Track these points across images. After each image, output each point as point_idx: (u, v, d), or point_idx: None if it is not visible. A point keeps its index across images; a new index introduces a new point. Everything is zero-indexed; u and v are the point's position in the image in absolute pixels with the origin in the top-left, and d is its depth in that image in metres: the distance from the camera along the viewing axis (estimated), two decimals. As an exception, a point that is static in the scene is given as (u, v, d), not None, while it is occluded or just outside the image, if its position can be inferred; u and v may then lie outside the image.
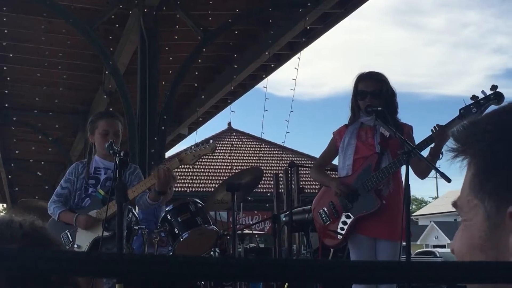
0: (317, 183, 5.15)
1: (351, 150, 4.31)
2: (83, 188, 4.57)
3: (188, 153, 4.50)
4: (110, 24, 9.49)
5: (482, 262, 0.52)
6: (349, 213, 4.26)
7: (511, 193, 0.79)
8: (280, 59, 11.31)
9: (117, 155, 3.91)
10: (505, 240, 0.78)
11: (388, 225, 4.10)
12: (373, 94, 4.23)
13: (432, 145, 3.98)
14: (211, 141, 4.59)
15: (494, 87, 3.76)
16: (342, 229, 4.30)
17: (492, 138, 0.82)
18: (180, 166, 4.58)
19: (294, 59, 10.91)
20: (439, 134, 3.91)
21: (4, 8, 8.85)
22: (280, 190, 12.94)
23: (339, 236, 4.31)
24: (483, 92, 3.84)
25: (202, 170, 26.94)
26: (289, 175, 9.42)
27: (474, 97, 3.87)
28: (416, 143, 4.11)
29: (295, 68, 10.18)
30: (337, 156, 4.47)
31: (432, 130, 3.97)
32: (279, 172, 15.25)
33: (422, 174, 4.15)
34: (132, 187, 4.44)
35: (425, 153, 3.99)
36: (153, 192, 4.41)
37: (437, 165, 3.97)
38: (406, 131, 4.25)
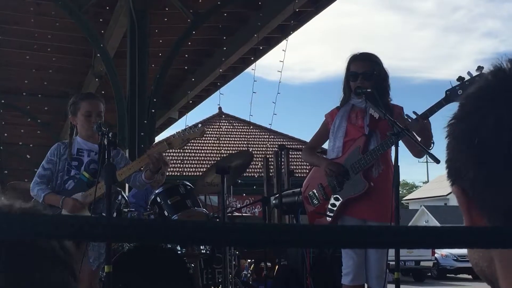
0: (307, 167, 5.16)
1: (341, 132, 4.30)
2: (65, 170, 4.49)
3: (177, 137, 4.49)
4: (99, 6, 9.42)
5: (466, 227, 0.52)
6: (337, 196, 4.27)
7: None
8: (270, 42, 11.27)
9: (106, 136, 3.90)
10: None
11: (376, 207, 4.10)
12: (364, 75, 4.20)
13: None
14: (199, 125, 4.59)
15: (480, 68, 3.76)
16: (331, 211, 4.31)
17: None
18: (169, 150, 4.57)
19: (284, 42, 10.90)
20: (419, 123, 3.91)
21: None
22: (270, 174, 12.93)
23: (328, 218, 4.32)
24: (469, 73, 3.84)
25: (192, 154, 26.93)
26: (279, 158, 9.42)
27: (460, 78, 3.87)
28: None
29: (283, 50, 10.19)
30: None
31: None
32: (269, 155, 15.25)
33: (419, 154, 4.16)
34: (119, 169, 4.41)
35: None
36: (149, 172, 4.42)
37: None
38: (397, 112, 4.23)
